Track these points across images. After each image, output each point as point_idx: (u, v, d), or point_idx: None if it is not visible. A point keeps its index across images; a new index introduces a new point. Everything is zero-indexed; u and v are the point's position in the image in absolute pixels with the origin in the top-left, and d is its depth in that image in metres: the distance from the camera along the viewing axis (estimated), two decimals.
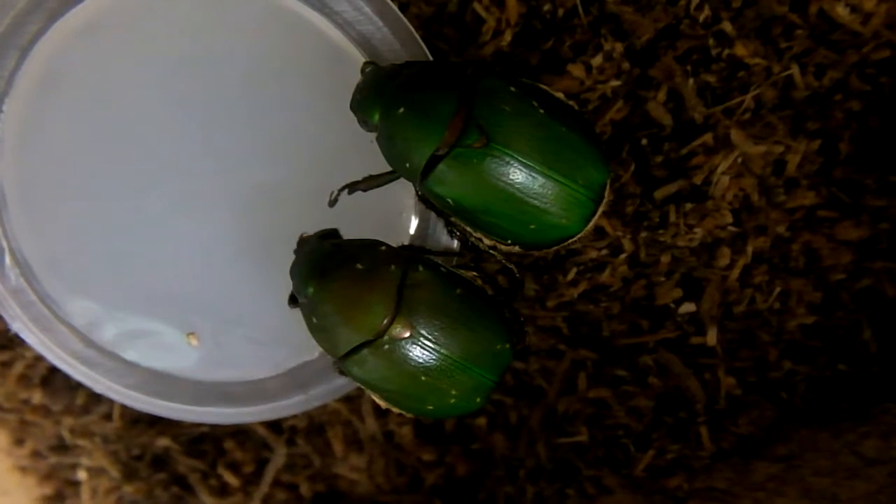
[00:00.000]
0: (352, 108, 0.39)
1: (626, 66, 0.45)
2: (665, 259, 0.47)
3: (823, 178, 0.47)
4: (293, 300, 0.40)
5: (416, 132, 0.37)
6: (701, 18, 0.45)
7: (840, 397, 0.48)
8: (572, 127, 0.38)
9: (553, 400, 0.50)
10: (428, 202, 0.39)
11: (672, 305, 0.48)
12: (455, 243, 0.43)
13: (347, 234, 0.41)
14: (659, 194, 0.46)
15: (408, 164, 0.37)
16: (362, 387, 0.39)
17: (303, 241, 0.40)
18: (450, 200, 0.38)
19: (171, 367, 0.46)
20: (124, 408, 0.51)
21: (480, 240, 0.40)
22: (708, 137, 0.45)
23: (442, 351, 0.38)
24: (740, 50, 0.45)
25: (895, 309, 0.48)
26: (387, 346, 0.37)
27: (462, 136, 0.36)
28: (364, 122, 0.39)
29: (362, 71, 0.40)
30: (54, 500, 0.56)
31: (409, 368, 0.37)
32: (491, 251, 0.40)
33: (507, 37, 0.45)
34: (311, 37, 0.42)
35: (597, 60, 0.45)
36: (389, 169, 0.39)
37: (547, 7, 0.45)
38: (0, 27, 0.42)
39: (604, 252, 0.47)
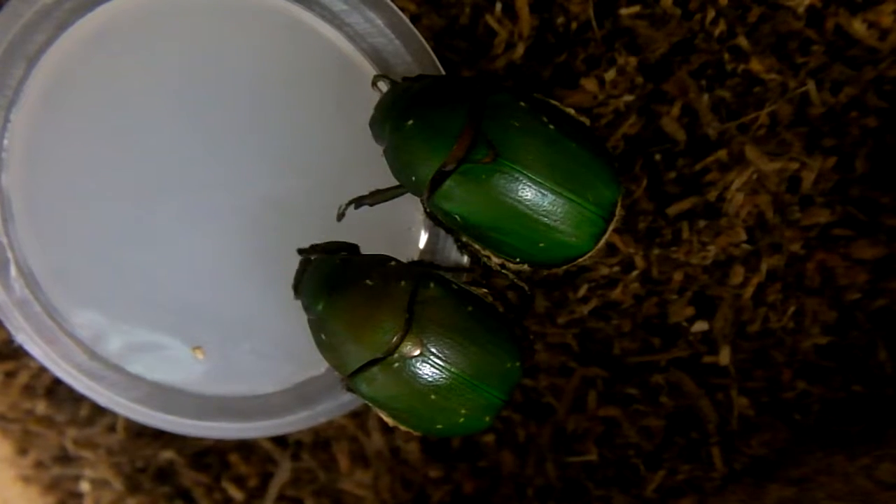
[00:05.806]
0: (370, 124, 0.39)
1: (639, 80, 0.45)
2: (678, 276, 0.46)
3: (839, 196, 0.46)
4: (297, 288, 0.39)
5: (424, 146, 0.36)
6: (716, 33, 0.45)
7: (855, 419, 0.48)
8: (583, 143, 0.37)
9: (562, 418, 0.49)
10: (435, 219, 0.39)
11: (684, 324, 0.47)
12: (465, 259, 0.42)
13: None
14: (672, 211, 0.46)
15: (414, 178, 0.37)
16: (370, 404, 0.39)
17: (308, 255, 0.40)
18: (457, 217, 0.37)
19: (177, 380, 0.46)
20: (128, 420, 0.50)
21: (489, 258, 0.39)
22: (722, 153, 0.45)
23: (452, 369, 0.37)
24: (756, 65, 0.44)
25: None
26: (396, 364, 0.37)
27: (470, 152, 0.36)
28: (378, 138, 0.38)
29: (373, 83, 0.40)
30: None
31: (418, 387, 0.37)
32: (500, 269, 0.40)
33: (520, 50, 0.45)
34: (322, 48, 0.42)
35: (610, 75, 0.44)
36: (397, 183, 0.39)
37: (560, 20, 0.45)
38: (7, 37, 0.42)
39: (615, 269, 0.46)
